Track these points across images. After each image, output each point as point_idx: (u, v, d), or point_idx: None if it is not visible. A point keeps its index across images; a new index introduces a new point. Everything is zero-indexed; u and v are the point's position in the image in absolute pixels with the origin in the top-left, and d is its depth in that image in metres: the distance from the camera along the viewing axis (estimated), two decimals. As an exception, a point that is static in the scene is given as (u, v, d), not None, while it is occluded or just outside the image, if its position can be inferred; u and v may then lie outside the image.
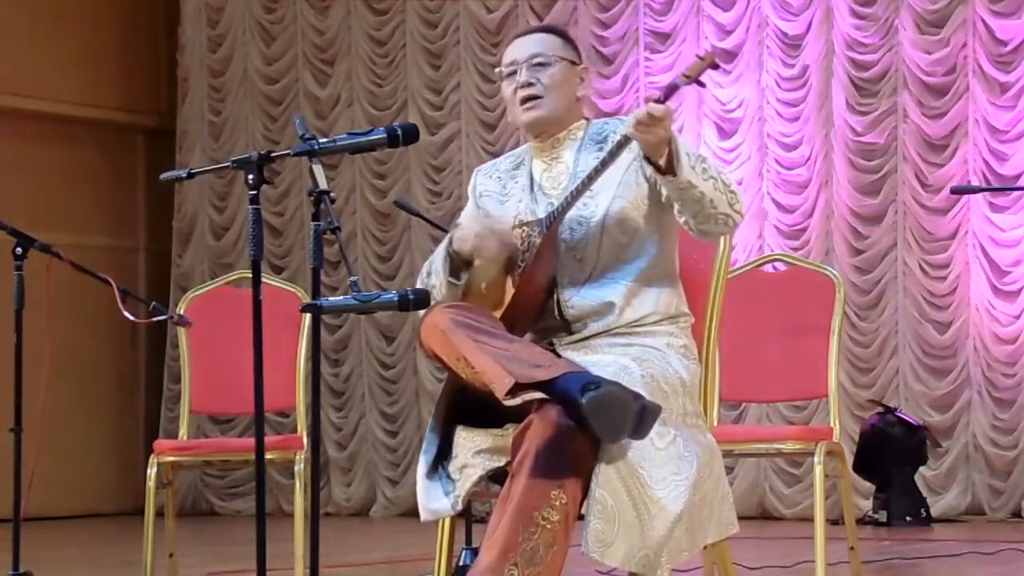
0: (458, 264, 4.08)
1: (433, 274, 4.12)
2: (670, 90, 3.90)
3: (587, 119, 4.22)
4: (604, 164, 3.99)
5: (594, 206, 4.05)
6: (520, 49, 4.16)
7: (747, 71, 10.13)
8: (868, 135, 9.87)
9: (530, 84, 4.11)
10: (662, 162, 3.87)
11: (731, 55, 10.19)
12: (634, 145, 3.92)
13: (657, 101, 3.81)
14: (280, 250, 11.49)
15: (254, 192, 3.89)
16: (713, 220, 3.96)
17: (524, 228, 4.08)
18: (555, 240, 4.05)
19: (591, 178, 4.00)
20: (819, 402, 9.38)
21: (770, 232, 10.03)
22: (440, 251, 4.11)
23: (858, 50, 9.89)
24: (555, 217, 4.04)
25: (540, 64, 4.12)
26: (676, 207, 3.98)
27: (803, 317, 5.79)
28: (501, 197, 4.21)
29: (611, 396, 3.69)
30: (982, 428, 9.57)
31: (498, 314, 4.02)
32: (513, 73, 4.14)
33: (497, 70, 4.26)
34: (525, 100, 4.12)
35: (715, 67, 3.99)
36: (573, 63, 4.17)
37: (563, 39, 4.21)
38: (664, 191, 3.96)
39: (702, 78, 3.96)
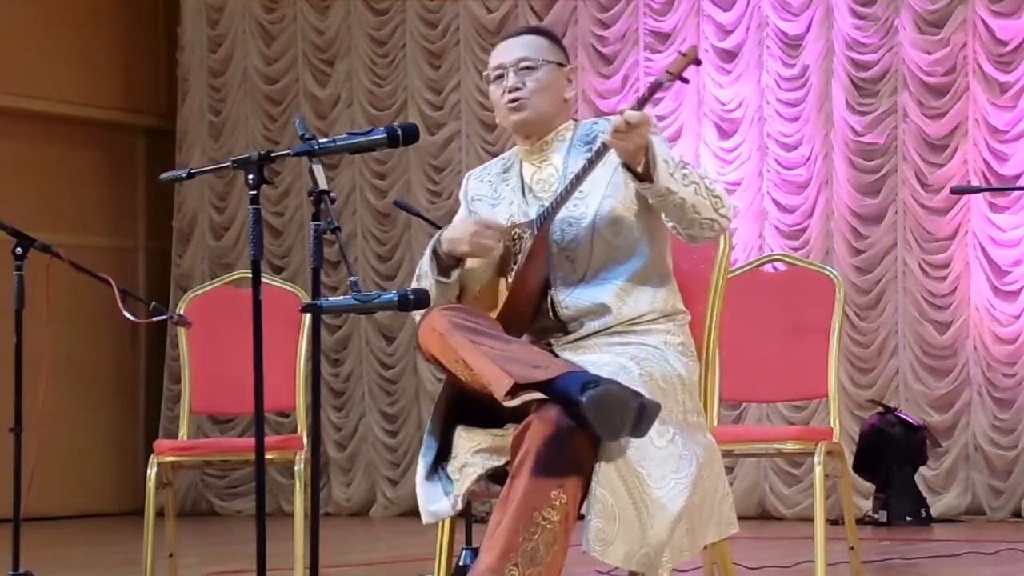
0: (447, 264, 4.09)
1: (422, 277, 4.13)
2: (653, 88, 3.91)
3: (575, 119, 4.24)
4: (587, 168, 4.00)
5: (584, 207, 4.06)
6: (507, 52, 4.18)
7: (747, 71, 10.13)
8: (868, 135, 9.87)
9: (517, 88, 4.13)
10: (640, 169, 3.88)
11: (731, 55, 10.20)
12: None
13: (640, 101, 3.82)
14: (280, 250, 11.48)
15: (254, 192, 3.90)
16: (698, 225, 3.97)
17: (515, 230, 4.09)
18: (546, 240, 4.06)
19: (578, 179, 4.01)
20: (819, 402, 9.37)
21: (770, 232, 10.02)
22: (426, 254, 4.13)
23: (858, 50, 9.89)
24: (545, 218, 4.05)
25: (527, 68, 4.14)
26: (662, 213, 3.99)
27: (803, 317, 5.79)
28: (492, 200, 4.23)
29: (610, 394, 3.69)
30: (982, 428, 9.57)
31: (493, 315, 4.03)
32: (500, 77, 4.16)
33: (485, 73, 4.27)
34: (511, 103, 4.13)
35: (697, 63, 3.97)
36: (560, 65, 4.19)
37: (550, 41, 4.23)
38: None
39: (685, 74, 3.95)
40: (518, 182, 4.21)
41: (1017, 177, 9.49)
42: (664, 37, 10.38)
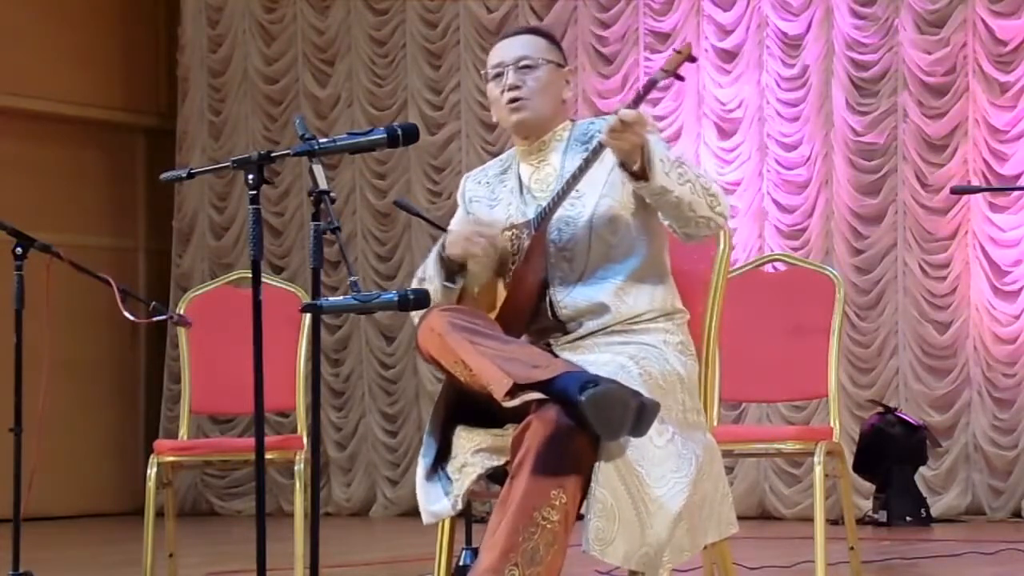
0: (452, 269, 4.09)
1: (427, 280, 4.13)
2: (649, 85, 3.94)
3: (572, 120, 4.24)
4: (584, 167, 4.01)
5: (581, 206, 4.06)
6: (506, 51, 4.18)
7: (747, 71, 10.13)
8: (868, 135, 9.87)
9: (517, 87, 4.13)
10: (636, 168, 3.88)
11: (731, 55, 10.20)
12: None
13: (634, 100, 3.84)
14: (280, 250, 11.49)
15: (254, 192, 3.89)
16: (694, 224, 3.98)
17: (514, 230, 4.10)
18: (544, 241, 4.06)
19: (574, 178, 4.02)
20: (819, 402, 9.38)
21: (770, 232, 10.03)
22: (432, 256, 4.14)
23: (858, 50, 9.89)
24: (542, 218, 4.06)
25: (527, 67, 4.14)
26: (659, 211, 4.00)
27: (803, 317, 5.79)
28: (490, 202, 4.23)
29: (610, 394, 3.69)
30: (982, 428, 9.57)
31: (492, 316, 4.04)
32: (499, 75, 4.16)
33: (483, 72, 4.28)
34: (511, 102, 4.13)
35: (692, 59, 4.00)
36: (559, 65, 4.19)
37: (549, 41, 4.23)
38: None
39: (681, 71, 3.98)
40: (516, 183, 4.21)
41: (1017, 177, 9.49)
42: (664, 37, 10.37)
